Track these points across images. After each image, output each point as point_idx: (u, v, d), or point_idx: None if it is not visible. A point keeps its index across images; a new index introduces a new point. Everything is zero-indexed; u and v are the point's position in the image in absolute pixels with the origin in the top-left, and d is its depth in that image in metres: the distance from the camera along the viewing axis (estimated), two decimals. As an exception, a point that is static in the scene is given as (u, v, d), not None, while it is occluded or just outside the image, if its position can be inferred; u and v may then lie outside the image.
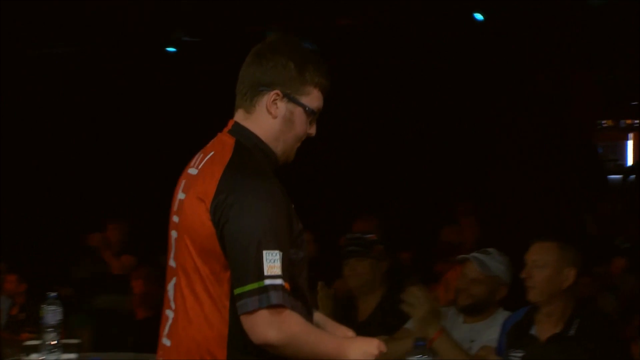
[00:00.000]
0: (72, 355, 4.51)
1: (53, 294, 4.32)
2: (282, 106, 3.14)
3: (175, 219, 3.20)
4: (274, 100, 3.13)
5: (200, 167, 3.15)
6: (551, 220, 11.48)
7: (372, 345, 3.08)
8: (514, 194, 13.00)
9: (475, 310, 5.09)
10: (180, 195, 3.19)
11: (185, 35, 12.27)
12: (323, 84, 3.19)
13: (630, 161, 26.54)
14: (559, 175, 13.52)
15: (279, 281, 2.94)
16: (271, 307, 2.92)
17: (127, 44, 12.33)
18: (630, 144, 27.36)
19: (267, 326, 2.92)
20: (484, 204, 11.64)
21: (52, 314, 4.35)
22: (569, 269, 4.61)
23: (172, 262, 3.19)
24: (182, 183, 3.22)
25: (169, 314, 3.17)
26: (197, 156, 3.24)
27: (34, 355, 4.38)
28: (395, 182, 13.60)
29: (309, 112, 3.17)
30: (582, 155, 14.52)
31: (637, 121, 25.68)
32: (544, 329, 4.63)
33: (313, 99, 3.17)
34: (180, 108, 13.59)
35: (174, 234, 3.20)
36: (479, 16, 11.63)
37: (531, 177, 13.31)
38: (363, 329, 4.87)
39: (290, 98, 3.14)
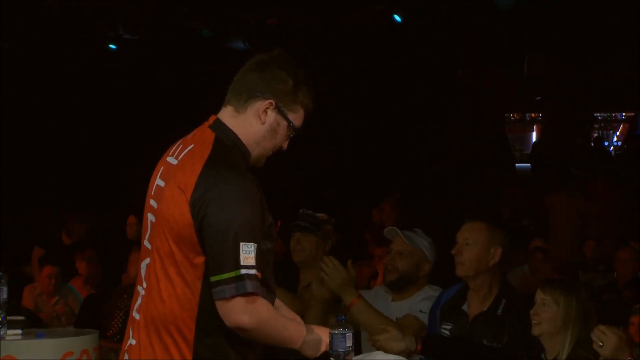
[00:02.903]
0: (17, 331, 4.87)
1: None
2: (272, 115, 3.33)
3: (152, 203, 3.33)
4: (266, 108, 3.32)
5: (180, 157, 3.29)
6: (469, 205, 11.87)
7: (326, 333, 3.38)
8: (435, 182, 13.43)
9: (401, 285, 5.17)
10: (159, 182, 3.33)
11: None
12: (309, 106, 3.40)
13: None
14: (475, 164, 14.13)
15: (253, 271, 3.14)
16: (246, 294, 3.13)
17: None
18: (534, 136, 28.09)
19: (242, 312, 3.13)
20: (407, 190, 11.99)
21: (-2, 293, 4.51)
22: (496, 248, 4.79)
23: (147, 244, 3.34)
24: (161, 170, 3.36)
25: (140, 290, 3.35)
26: (176, 145, 3.38)
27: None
28: (324, 172, 14.02)
29: (291, 128, 3.38)
30: (495, 146, 15.16)
31: (540, 114, 26.54)
32: (473, 305, 4.81)
33: (298, 117, 3.38)
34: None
35: (150, 217, 3.34)
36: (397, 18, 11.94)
37: (452, 166, 13.85)
38: None
39: (281, 110, 3.33)
